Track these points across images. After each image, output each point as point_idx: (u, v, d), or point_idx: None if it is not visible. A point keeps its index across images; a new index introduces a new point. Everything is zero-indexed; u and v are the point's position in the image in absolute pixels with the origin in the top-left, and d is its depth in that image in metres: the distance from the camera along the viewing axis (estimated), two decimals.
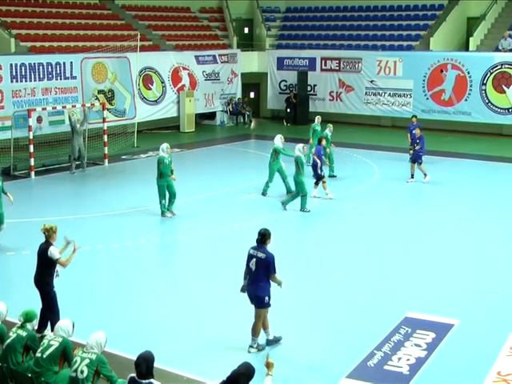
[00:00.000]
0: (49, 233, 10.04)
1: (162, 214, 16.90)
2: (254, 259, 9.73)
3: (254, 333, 9.91)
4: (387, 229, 16.30)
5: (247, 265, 9.87)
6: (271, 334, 10.07)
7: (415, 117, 23.64)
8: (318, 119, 23.45)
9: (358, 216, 17.09)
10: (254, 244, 9.87)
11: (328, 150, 20.86)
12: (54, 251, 9.91)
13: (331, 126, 21.99)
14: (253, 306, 9.89)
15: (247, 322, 10.73)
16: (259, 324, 9.88)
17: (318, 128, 22.86)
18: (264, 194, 19.06)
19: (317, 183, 18.75)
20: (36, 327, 8.85)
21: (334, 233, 16.24)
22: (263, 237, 9.80)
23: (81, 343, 8.30)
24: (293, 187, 18.24)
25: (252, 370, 6.90)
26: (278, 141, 18.91)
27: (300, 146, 17.89)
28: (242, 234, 15.82)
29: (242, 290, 10.04)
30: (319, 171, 18.50)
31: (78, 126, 22.10)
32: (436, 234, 15.79)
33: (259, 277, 9.72)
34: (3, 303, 8.78)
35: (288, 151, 18.69)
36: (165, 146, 16.93)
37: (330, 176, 20.85)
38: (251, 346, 9.90)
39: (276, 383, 9.24)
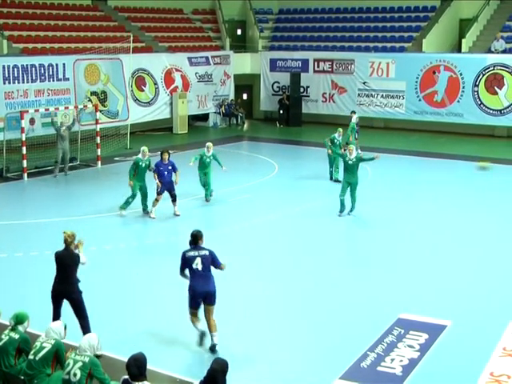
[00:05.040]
0: (71, 239, 9.85)
1: (143, 211, 17.38)
2: (199, 258, 9.85)
3: (214, 328, 9.87)
4: (380, 230, 16.31)
5: (189, 267, 9.90)
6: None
7: None
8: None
9: (350, 217, 17.09)
10: (189, 247, 10.01)
11: (330, 150, 20.91)
12: (82, 257, 9.86)
13: (341, 130, 21.89)
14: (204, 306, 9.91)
15: (241, 325, 10.77)
16: (213, 319, 9.90)
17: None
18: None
19: (157, 200, 17.12)
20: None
21: (326, 234, 16.24)
22: (195, 237, 10.01)
23: (72, 345, 8.28)
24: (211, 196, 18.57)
25: (225, 364, 6.95)
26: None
27: (209, 143, 18.75)
28: (234, 236, 15.83)
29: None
30: (158, 189, 16.98)
31: (63, 129, 21.92)
32: (428, 235, 15.80)
33: (208, 274, 9.90)
34: None
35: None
36: (142, 148, 17.19)
37: (335, 180, 20.91)
38: (216, 344, 9.87)
39: None
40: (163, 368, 9.13)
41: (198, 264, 9.86)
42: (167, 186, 17.05)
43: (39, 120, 24.67)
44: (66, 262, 9.81)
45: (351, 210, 17.19)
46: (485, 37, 31.81)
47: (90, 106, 25.21)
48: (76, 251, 9.89)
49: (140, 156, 17.09)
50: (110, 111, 28.27)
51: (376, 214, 17.43)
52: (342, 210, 17.20)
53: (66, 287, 9.82)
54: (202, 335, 9.96)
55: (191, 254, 9.94)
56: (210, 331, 9.88)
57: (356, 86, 32.61)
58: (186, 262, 9.94)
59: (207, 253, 9.97)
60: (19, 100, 24.66)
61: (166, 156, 17.09)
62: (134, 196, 17.15)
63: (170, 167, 17.06)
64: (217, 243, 14.98)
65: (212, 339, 9.86)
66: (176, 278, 13.30)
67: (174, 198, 17.25)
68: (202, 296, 9.86)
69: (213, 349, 9.83)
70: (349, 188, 17.12)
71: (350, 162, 17.04)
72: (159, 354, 9.42)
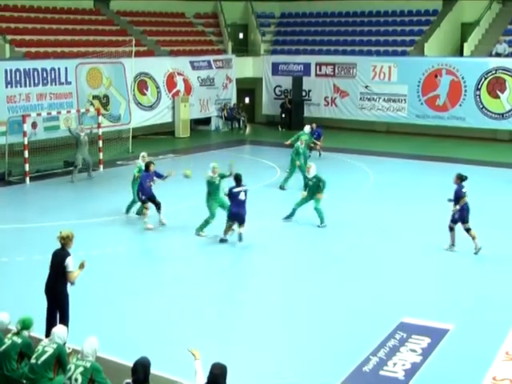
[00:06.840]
0: (65, 240, 9.82)
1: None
2: (243, 192, 14.85)
3: (242, 229, 14.97)
4: (382, 234, 16.29)
5: (234, 198, 14.80)
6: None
7: None
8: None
9: (352, 221, 17.08)
10: (233, 186, 14.91)
11: (298, 162, 20.76)
12: (69, 262, 9.68)
13: (304, 138, 21.83)
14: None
15: (242, 327, 10.75)
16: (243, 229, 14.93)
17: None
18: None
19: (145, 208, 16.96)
20: (31, 333, 8.70)
21: (328, 238, 16.22)
22: (239, 178, 14.89)
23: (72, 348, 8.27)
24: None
25: (225, 368, 6.96)
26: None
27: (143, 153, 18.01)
28: (234, 239, 15.79)
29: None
30: (140, 196, 16.61)
31: (83, 135, 21.74)
32: (430, 239, 15.77)
33: (244, 203, 14.88)
34: (6, 314, 8.65)
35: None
36: (212, 165, 16.20)
37: (281, 187, 20.83)
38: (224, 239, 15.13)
39: None
40: (164, 371, 9.10)
41: (242, 195, 14.83)
42: (149, 193, 16.59)
43: (41, 124, 24.69)
44: (56, 260, 9.84)
45: (321, 222, 16.60)
46: (487, 41, 31.83)
47: (92, 110, 25.22)
48: (70, 258, 9.75)
49: (210, 174, 16.12)
50: (112, 115, 28.30)
51: (378, 218, 17.41)
52: (288, 216, 17.10)
53: (54, 284, 9.84)
54: (224, 239, 15.26)
55: (237, 189, 14.85)
56: (239, 228, 15.05)
57: (358, 89, 32.62)
58: (233, 194, 14.80)
59: (246, 188, 15.03)
60: (21, 104, 24.71)
61: (152, 167, 16.72)
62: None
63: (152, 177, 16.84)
64: (216, 247, 15.04)
65: (240, 231, 15.01)
66: (176, 280, 13.38)
67: (158, 207, 16.70)
68: (236, 216, 14.88)
69: (239, 237, 15.03)
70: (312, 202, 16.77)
71: (310, 183, 16.80)
72: (160, 357, 9.40)
